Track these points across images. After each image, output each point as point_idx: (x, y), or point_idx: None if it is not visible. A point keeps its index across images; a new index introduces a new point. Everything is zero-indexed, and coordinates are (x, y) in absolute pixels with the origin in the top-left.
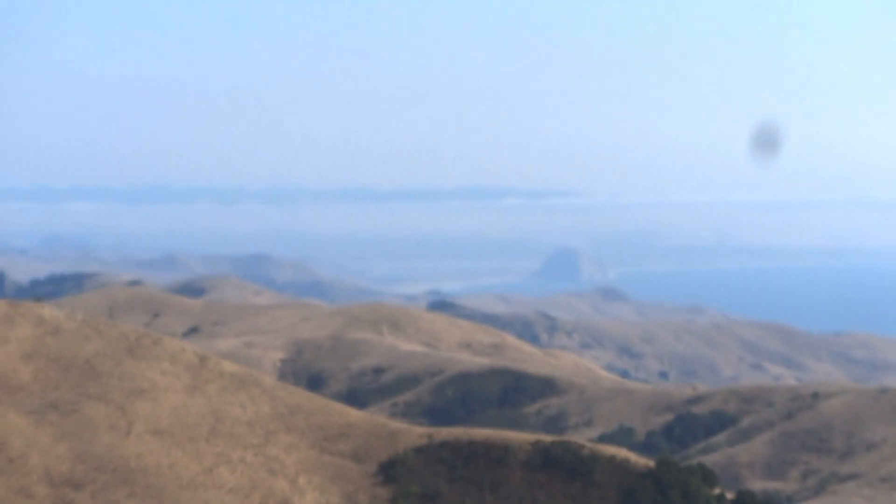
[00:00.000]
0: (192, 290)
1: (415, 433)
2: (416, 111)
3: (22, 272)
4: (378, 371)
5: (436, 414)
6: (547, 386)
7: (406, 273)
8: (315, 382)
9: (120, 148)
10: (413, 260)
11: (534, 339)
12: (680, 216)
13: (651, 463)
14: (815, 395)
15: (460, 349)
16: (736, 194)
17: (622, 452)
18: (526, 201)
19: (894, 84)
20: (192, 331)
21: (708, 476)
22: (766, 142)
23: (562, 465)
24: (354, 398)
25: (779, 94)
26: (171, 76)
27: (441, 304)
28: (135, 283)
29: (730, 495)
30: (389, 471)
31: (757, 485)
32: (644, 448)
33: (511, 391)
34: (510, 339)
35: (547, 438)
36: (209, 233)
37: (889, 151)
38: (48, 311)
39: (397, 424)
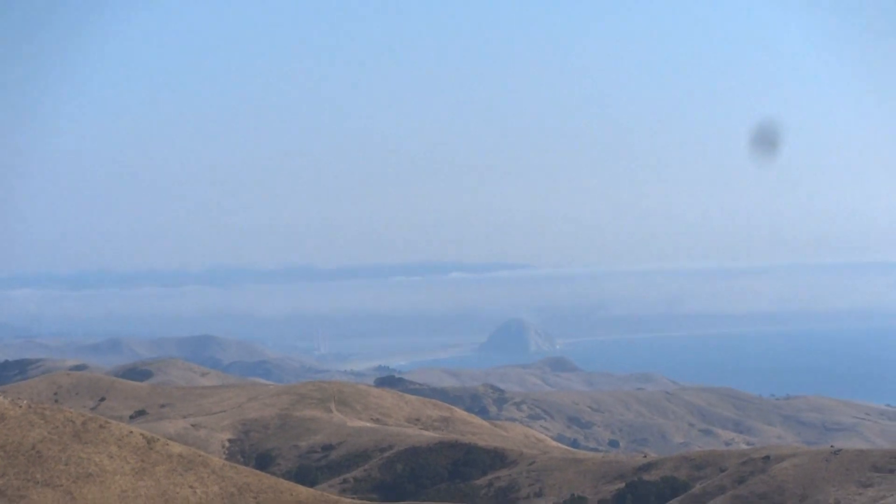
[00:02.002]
0: (137, 373)
1: None
2: (358, 189)
3: None
4: (327, 448)
5: (386, 489)
6: (497, 458)
7: (352, 350)
8: (264, 461)
9: (61, 234)
10: (359, 337)
11: (483, 412)
12: (626, 285)
13: None
14: (767, 459)
15: (409, 424)
16: (683, 262)
17: None
18: (471, 275)
19: (835, 154)
20: (139, 414)
21: None
22: (766, 141)
23: None
24: (304, 476)
25: (730, 161)
26: (108, 162)
27: (389, 380)
28: (80, 367)
29: None
30: None
31: None
32: None
33: (461, 464)
34: (459, 413)
35: None
36: (153, 316)
37: (838, 216)
38: None
39: (348, 501)
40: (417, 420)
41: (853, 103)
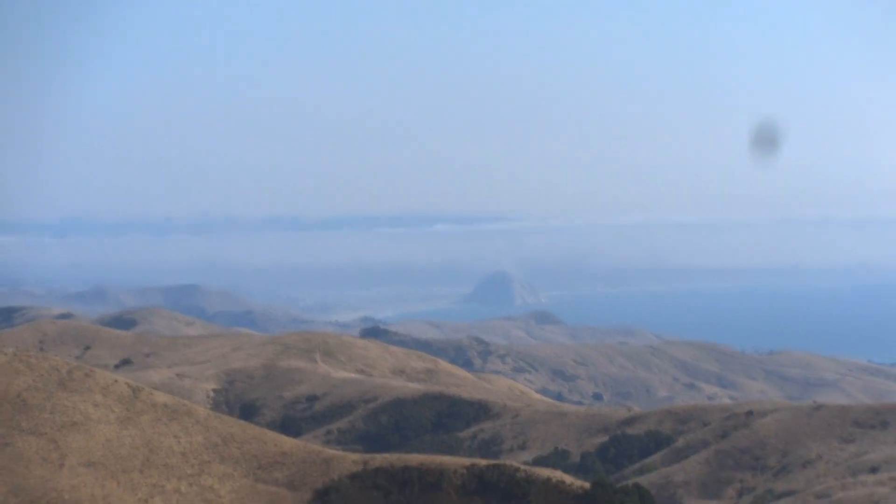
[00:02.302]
0: (122, 322)
1: (349, 460)
2: (346, 139)
3: None
4: (311, 399)
5: (370, 440)
6: (481, 410)
7: (338, 301)
8: (248, 412)
9: (47, 182)
10: (344, 288)
11: (467, 364)
12: (611, 239)
13: (586, 485)
14: (750, 414)
15: (394, 375)
16: (667, 216)
17: (557, 475)
18: (456, 227)
19: (823, 105)
20: (124, 363)
21: (644, 496)
22: (765, 140)
23: (497, 488)
24: (288, 426)
25: (721, 112)
26: (95, 110)
27: (374, 331)
28: (65, 316)
29: None
30: (324, 498)
31: None
32: (579, 470)
33: (445, 416)
34: (443, 365)
35: (482, 462)
36: (139, 265)
37: (821, 170)
38: None
39: (332, 452)
40: (402, 372)
41: (834, 55)
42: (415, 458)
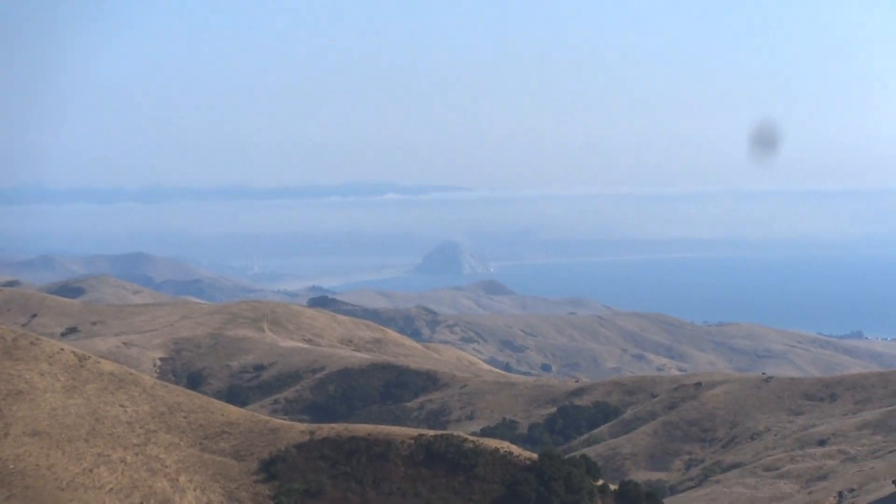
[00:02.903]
0: (69, 290)
1: (296, 430)
2: (295, 108)
3: None
4: (259, 368)
5: (317, 410)
6: (429, 380)
7: (286, 270)
8: (195, 381)
9: None
10: (293, 257)
11: (415, 334)
12: (561, 209)
13: (534, 455)
14: (699, 385)
15: (342, 345)
16: (617, 187)
17: (505, 445)
18: (406, 196)
19: (781, 78)
20: (71, 331)
21: (591, 468)
22: (765, 140)
23: (445, 459)
24: (235, 396)
25: (667, 85)
26: (42, 76)
27: (322, 301)
28: (11, 283)
29: (613, 487)
30: (271, 468)
31: (640, 476)
32: (527, 441)
33: (393, 386)
34: (392, 335)
35: (429, 433)
36: (86, 233)
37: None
38: None
39: (278, 421)
40: (350, 341)
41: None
42: (362, 429)
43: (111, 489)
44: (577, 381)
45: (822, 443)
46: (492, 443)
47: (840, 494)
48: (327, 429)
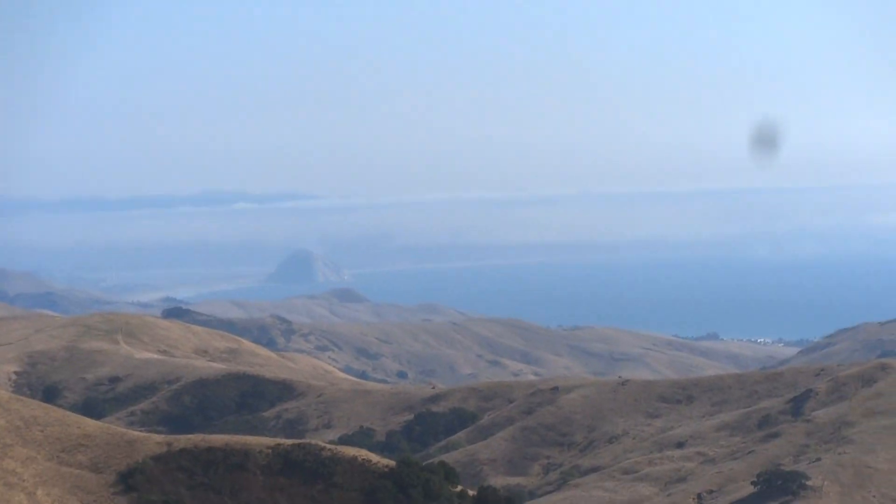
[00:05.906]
0: None
1: (153, 441)
2: (144, 119)
3: None
4: (114, 380)
5: (174, 422)
6: (285, 390)
7: (140, 281)
8: (50, 394)
9: None
10: (147, 268)
11: (270, 344)
12: (412, 216)
13: (392, 463)
14: (555, 390)
15: (197, 356)
16: (471, 192)
17: (363, 453)
18: (256, 205)
19: (625, 85)
20: None
21: (449, 474)
22: (765, 140)
23: (302, 467)
24: (91, 409)
25: (525, 84)
26: None
27: (176, 312)
28: None
29: (471, 492)
30: (129, 480)
31: (499, 481)
32: (385, 448)
33: (249, 396)
34: (246, 344)
35: (286, 442)
36: None
37: (623, 146)
38: None
39: (135, 433)
40: (205, 352)
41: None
42: (219, 439)
43: None
44: (433, 388)
45: (680, 445)
46: (350, 451)
47: (699, 496)
48: (184, 440)
